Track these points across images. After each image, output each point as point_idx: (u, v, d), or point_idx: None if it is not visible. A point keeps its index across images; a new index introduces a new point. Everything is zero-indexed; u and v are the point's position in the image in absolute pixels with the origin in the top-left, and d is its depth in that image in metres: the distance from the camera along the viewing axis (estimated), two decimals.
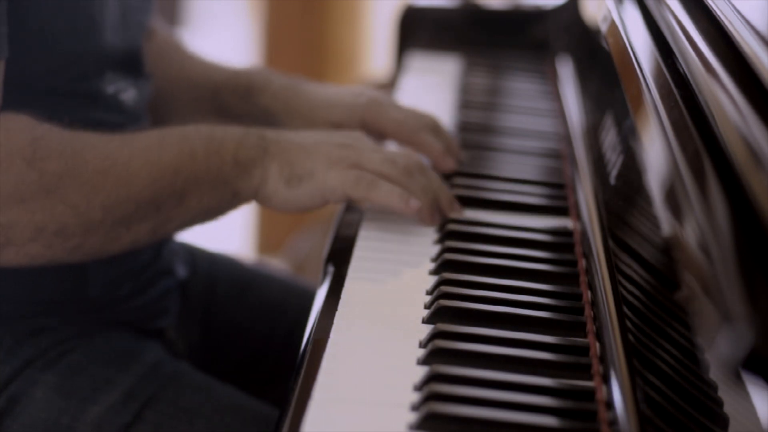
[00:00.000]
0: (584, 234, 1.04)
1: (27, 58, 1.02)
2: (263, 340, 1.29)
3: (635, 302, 0.85)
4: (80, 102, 1.08)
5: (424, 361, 0.84)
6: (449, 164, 1.17)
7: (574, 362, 0.85)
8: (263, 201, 1.05)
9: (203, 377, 1.11)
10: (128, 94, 1.13)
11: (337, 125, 1.20)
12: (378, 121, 1.19)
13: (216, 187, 1.03)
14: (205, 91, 1.30)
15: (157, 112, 1.23)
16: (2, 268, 1.04)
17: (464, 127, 1.34)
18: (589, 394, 0.81)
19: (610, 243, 0.96)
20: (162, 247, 1.18)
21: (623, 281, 0.89)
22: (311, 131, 1.09)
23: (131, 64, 1.14)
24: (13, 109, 0.99)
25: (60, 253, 1.00)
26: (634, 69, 0.98)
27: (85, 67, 1.07)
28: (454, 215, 1.07)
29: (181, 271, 1.23)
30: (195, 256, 1.30)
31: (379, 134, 1.18)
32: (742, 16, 0.85)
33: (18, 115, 1.00)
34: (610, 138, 1.07)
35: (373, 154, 1.05)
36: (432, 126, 1.19)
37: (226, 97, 1.29)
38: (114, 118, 1.11)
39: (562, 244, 1.04)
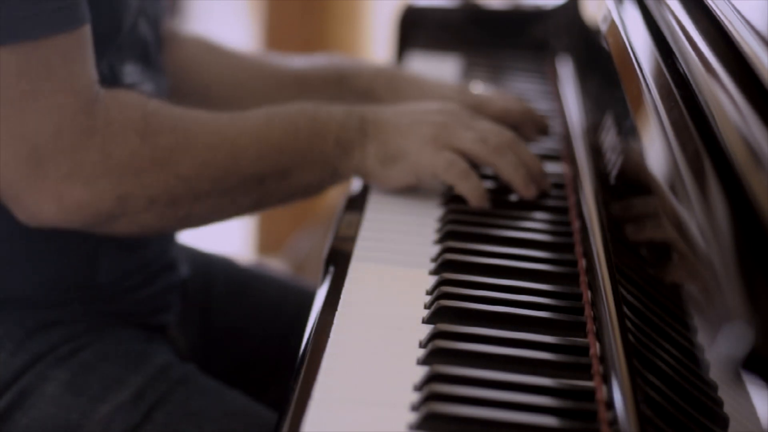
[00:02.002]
0: (584, 234, 1.04)
1: None
2: (261, 341, 1.29)
3: (635, 302, 0.85)
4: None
5: (424, 361, 0.84)
6: (545, 135, 1.28)
7: (574, 362, 0.85)
8: (364, 178, 1.12)
9: (212, 381, 1.11)
10: (145, 88, 1.14)
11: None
12: (487, 109, 1.25)
13: (317, 165, 1.08)
14: (290, 80, 1.31)
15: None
16: (14, 256, 1.04)
17: None
18: (589, 394, 0.81)
19: (610, 243, 0.96)
20: (168, 242, 1.19)
21: (623, 281, 0.89)
22: (409, 106, 1.13)
23: (149, 58, 1.14)
24: None
25: (169, 222, 1.06)
26: (634, 69, 0.98)
27: (105, 54, 1.07)
28: (545, 187, 1.13)
29: (184, 269, 1.23)
30: (192, 256, 1.30)
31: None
32: (742, 16, 0.85)
33: (129, 90, 1.04)
34: (610, 138, 1.07)
35: (466, 133, 1.09)
36: (528, 110, 1.29)
37: (316, 87, 1.32)
38: None
39: (562, 244, 1.04)
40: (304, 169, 1.08)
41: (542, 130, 1.27)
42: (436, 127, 1.09)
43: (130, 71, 1.12)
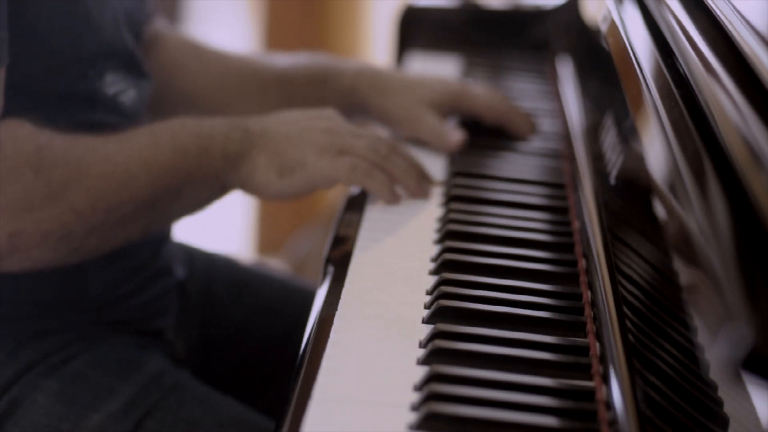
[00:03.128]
0: (584, 234, 1.04)
1: (25, 60, 1.02)
2: (261, 340, 1.29)
3: (635, 302, 0.85)
4: (79, 104, 1.08)
5: (424, 361, 0.84)
6: (531, 134, 1.30)
7: (574, 362, 0.85)
8: (252, 191, 1.08)
9: (205, 389, 1.11)
10: (128, 95, 1.13)
11: (434, 105, 1.27)
12: (471, 105, 1.29)
13: (207, 182, 1.06)
14: (273, 82, 1.32)
15: (190, 112, 1.22)
16: (2, 274, 1.04)
17: (464, 126, 1.33)
18: (589, 394, 0.81)
19: (610, 243, 0.96)
20: (160, 246, 1.18)
21: (623, 281, 0.89)
22: (291, 114, 1.11)
23: (131, 64, 1.14)
24: (11, 111, 0.99)
25: (62, 255, 1.02)
26: (634, 69, 0.98)
27: (83, 69, 1.07)
28: (431, 184, 1.13)
29: (180, 271, 1.23)
30: (192, 256, 1.30)
31: (468, 115, 1.30)
32: (742, 16, 0.85)
33: (22, 122, 1.00)
34: (610, 138, 1.07)
35: (357, 140, 1.08)
36: (512, 108, 1.31)
37: (300, 88, 1.32)
38: (112, 119, 1.11)
39: (562, 244, 1.04)
40: (195, 187, 1.06)
41: (528, 128, 1.28)
42: (328, 134, 1.08)
43: (111, 80, 1.11)
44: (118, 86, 1.11)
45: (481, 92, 1.31)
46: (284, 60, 1.34)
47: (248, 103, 1.33)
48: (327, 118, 1.11)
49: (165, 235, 1.20)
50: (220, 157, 1.06)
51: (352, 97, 1.29)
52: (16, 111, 0.99)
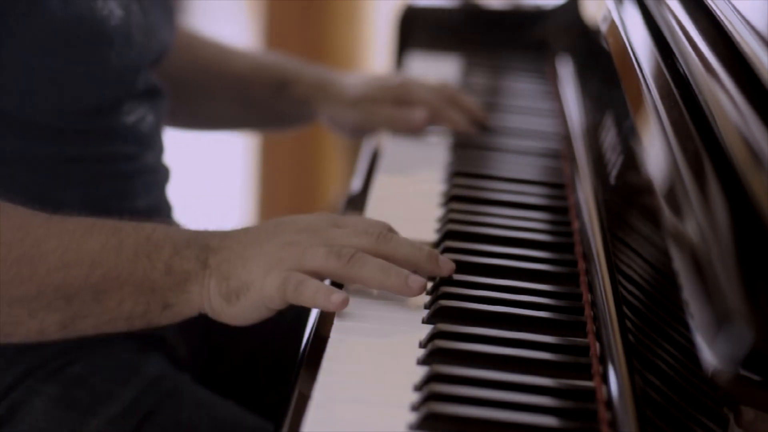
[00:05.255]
0: (584, 234, 1.04)
1: (40, 100, 1.03)
2: (263, 340, 1.28)
3: (635, 302, 0.85)
4: (97, 137, 1.08)
5: (424, 361, 0.84)
6: (473, 131, 1.30)
7: (574, 362, 0.85)
8: (216, 317, 0.95)
9: (204, 393, 1.10)
10: (146, 121, 1.13)
11: (369, 99, 1.29)
12: (410, 99, 1.30)
13: (140, 293, 0.94)
14: (229, 82, 1.32)
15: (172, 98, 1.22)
16: None
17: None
18: (589, 394, 0.81)
19: (610, 243, 0.96)
20: None
21: (623, 281, 0.89)
22: (263, 225, 0.97)
23: (149, 91, 1.14)
24: (28, 148, 0.98)
25: None
26: (634, 69, 0.98)
27: (99, 105, 1.07)
28: (446, 273, 0.95)
29: None
30: None
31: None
32: (742, 16, 0.85)
33: None
34: (610, 138, 1.07)
35: (318, 250, 0.92)
36: (453, 99, 1.31)
37: (257, 91, 1.32)
38: (131, 149, 1.11)
39: (562, 244, 1.04)
40: (124, 293, 0.94)
41: (475, 121, 1.29)
42: (287, 248, 0.93)
43: (129, 109, 1.11)
44: (136, 114, 1.11)
45: (418, 86, 1.32)
46: (247, 60, 1.34)
47: (207, 103, 1.33)
48: (300, 228, 0.95)
49: None
50: (163, 269, 0.94)
51: (304, 108, 1.31)
52: (33, 147, 0.99)
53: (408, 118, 1.30)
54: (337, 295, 0.90)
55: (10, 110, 1.02)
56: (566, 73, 1.46)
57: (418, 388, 0.81)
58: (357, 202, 1.12)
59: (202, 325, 1.25)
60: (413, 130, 1.30)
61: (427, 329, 0.88)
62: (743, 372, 0.59)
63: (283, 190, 2.82)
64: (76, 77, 1.04)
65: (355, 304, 0.93)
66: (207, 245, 0.94)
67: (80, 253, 0.93)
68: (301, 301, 0.91)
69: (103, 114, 1.08)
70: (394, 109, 1.31)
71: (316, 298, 0.90)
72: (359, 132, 1.36)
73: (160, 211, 1.19)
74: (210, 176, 3.00)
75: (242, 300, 0.92)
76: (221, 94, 1.35)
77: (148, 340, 1.15)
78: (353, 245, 0.93)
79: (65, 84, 1.04)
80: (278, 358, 1.28)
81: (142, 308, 0.95)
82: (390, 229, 0.97)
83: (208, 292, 0.93)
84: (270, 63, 1.35)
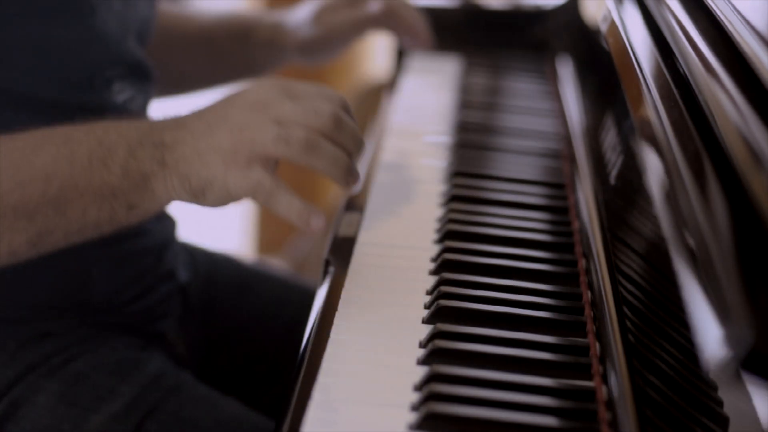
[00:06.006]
0: (584, 234, 1.04)
1: (30, 74, 1.02)
2: (262, 338, 1.29)
3: (635, 302, 0.85)
4: (87, 115, 1.08)
5: (424, 361, 0.84)
6: (426, 40, 1.37)
7: (574, 362, 0.85)
8: (191, 205, 0.97)
9: (205, 389, 1.11)
10: (136, 102, 1.13)
11: (325, 10, 1.34)
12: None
13: (104, 199, 0.94)
14: (194, 38, 1.33)
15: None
16: (5, 278, 1.03)
17: (464, 127, 1.34)
18: (589, 394, 0.81)
19: (610, 243, 0.96)
20: (164, 251, 1.18)
21: (623, 281, 0.89)
22: (210, 108, 0.97)
23: (138, 71, 1.14)
24: (18, 123, 0.98)
25: None
26: (634, 69, 0.98)
27: (90, 79, 1.07)
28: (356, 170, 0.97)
29: (183, 275, 1.23)
30: (195, 257, 1.30)
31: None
32: (742, 16, 0.85)
33: None
34: (610, 138, 1.07)
35: (269, 132, 0.93)
36: (395, 10, 1.35)
37: (222, 42, 1.35)
38: None
39: (562, 244, 1.04)
40: (85, 202, 0.94)
41: (415, 35, 1.34)
42: (234, 137, 0.93)
43: (119, 89, 1.10)
44: (126, 94, 1.11)
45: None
46: (208, 17, 1.36)
47: (175, 57, 1.34)
48: (248, 104, 0.94)
49: (169, 238, 1.20)
50: (119, 173, 0.94)
51: (273, 48, 1.34)
52: (24, 120, 0.99)
53: (366, 12, 1.32)
54: (317, 220, 0.93)
55: (12, 86, 1.02)
56: (566, 73, 1.46)
57: (418, 388, 0.81)
58: (357, 202, 1.12)
59: (200, 324, 1.25)
60: (373, 27, 1.33)
61: (427, 329, 0.88)
62: (743, 372, 0.59)
63: None
64: (59, 45, 1.03)
65: (356, 304, 0.93)
66: (161, 141, 0.94)
67: (33, 169, 0.93)
68: (274, 212, 0.94)
69: (94, 90, 1.08)
70: (351, 10, 1.34)
71: (289, 215, 0.94)
72: (329, 50, 1.38)
73: None
74: None
75: (209, 195, 0.94)
76: (188, 51, 1.36)
77: (148, 337, 1.15)
78: (307, 125, 0.93)
79: (50, 52, 1.03)
80: (278, 355, 1.28)
81: (108, 213, 0.95)
82: (344, 106, 0.97)
83: (174, 190, 0.95)
84: (230, 15, 1.37)
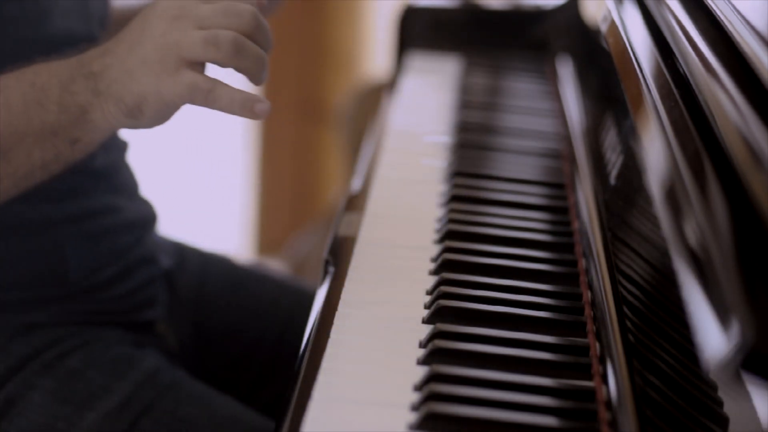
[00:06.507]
0: (584, 234, 1.04)
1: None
2: (255, 338, 1.29)
3: (635, 302, 0.85)
4: None
5: (424, 361, 0.84)
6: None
7: (574, 362, 0.85)
8: (134, 130, 0.98)
9: (201, 387, 1.11)
10: None
11: None
12: None
13: (45, 139, 0.95)
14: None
15: None
16: None
17: (464, 127, 1.34)
18: (589, 394, 0.81)
19: (610, 243, 0.96)
20: (143, 233, 1.18)
21: (623, 281, 0.89)
22: (131, 26, 0.96)
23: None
24: None
25: None
26: (634, 69, 0.98)
27: (44, 57, 1.06)
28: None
29: (165, 261, 1.23)
30: (183, 251, 1.29)
31: None
32: (742, 16, 0.85)
33: None
34: (610, 138, 1.07)
35: (193, 39, 0.91)
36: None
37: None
38: None
39: (562, 244, 1.04)
40: (28, 145, 0.94)
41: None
42: (158, 47, 0.92)
43: None
44: None
45: None
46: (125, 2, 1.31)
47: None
48: (165, 13, 0.93)
49: (147, 222, 1.20)
50: (56, 110, 0.94)
51: None
52: None
53: None
54: (262, 105, 0.92)
55: None
56: (566, 73, 1.46)
57: (418, 388, 0.81)
58: (357, 202, 1.12)
59: (191, 318, 1.25)
60: None
61: (427, 329, 0.88)
62: (743, 372, 0.59)
63: (283, 190, 2.83)
64: (11, 46, 1.03)
65: (356, 304, 0.93)
66: (91, 72, 0.94)
67: None
68: (217, 109, 0.92)
69: None
70: None
71: (232, 108, 0.92)
72: None
73: (120, 171, 1.19)
74: (210, 176, 3.00)
75: (147, 110, 0.93)
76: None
77: (138, 331, 1.15)
78: (229, 27, 0.92)
79: (3, 53, 1.02)
80: (272, 354, 1.28)
81: (52, 152, 0.95)
82: (249, 24, 0.95)
83: (112, 115, 0.94)
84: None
